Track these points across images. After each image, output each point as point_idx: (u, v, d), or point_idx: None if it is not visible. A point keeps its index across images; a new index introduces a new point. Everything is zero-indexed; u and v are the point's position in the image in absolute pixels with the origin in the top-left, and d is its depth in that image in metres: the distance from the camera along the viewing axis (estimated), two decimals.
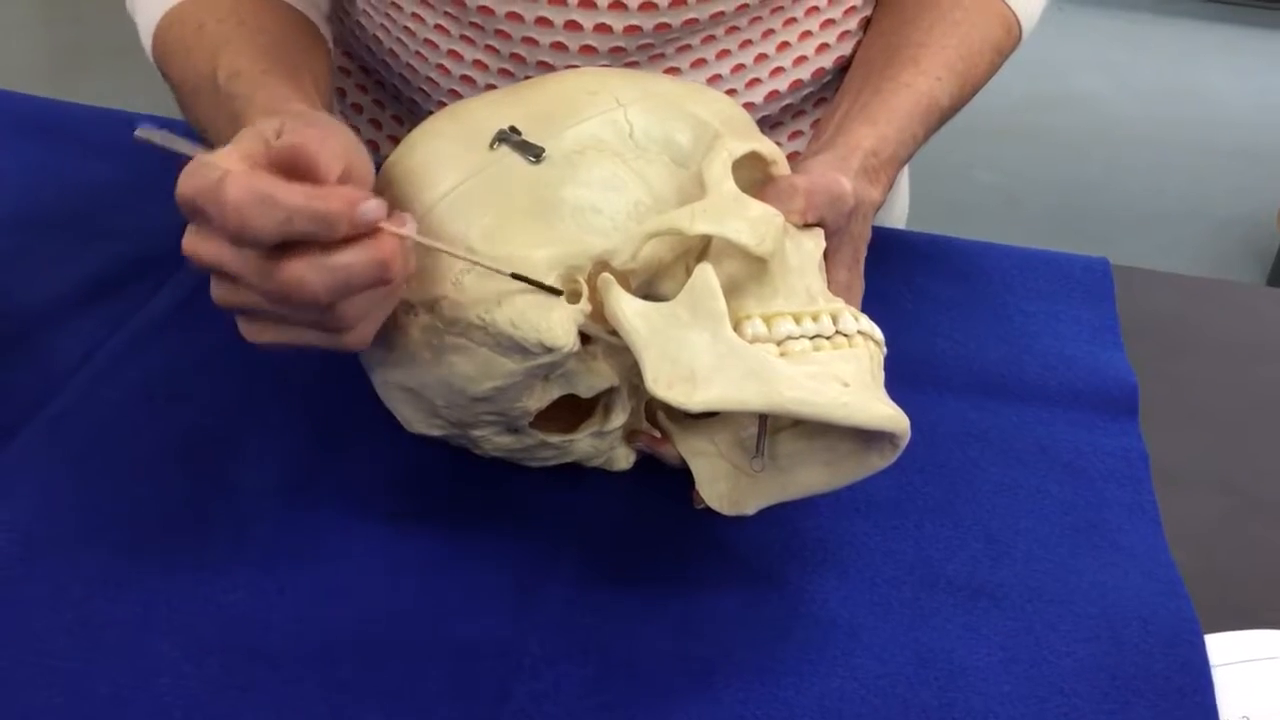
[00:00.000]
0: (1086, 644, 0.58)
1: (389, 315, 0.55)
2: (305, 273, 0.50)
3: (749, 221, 0.55)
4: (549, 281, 0.54)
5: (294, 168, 0.50)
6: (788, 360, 0.54)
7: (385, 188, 0.58)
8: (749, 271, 0.56)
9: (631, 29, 0.73)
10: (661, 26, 0.73)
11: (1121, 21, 3.12)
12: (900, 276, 0.80)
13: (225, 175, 0.49)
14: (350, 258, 0.50)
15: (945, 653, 0.57)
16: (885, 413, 0.53)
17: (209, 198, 0.49)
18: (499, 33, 0.74)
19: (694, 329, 0.53)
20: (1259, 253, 2.40)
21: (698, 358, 0.52)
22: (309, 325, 0.53)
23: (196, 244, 0.51)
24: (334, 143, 0.52)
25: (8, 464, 0.64)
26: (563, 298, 0.54)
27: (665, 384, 0.52)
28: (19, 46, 2.89)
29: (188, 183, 0.50)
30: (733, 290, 0.55)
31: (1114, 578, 0.61)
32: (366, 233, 0.50)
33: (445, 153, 0.58)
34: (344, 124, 0.58)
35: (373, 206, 0.50)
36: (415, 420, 0.60)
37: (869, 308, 0.62)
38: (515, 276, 0.53)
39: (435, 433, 0.60)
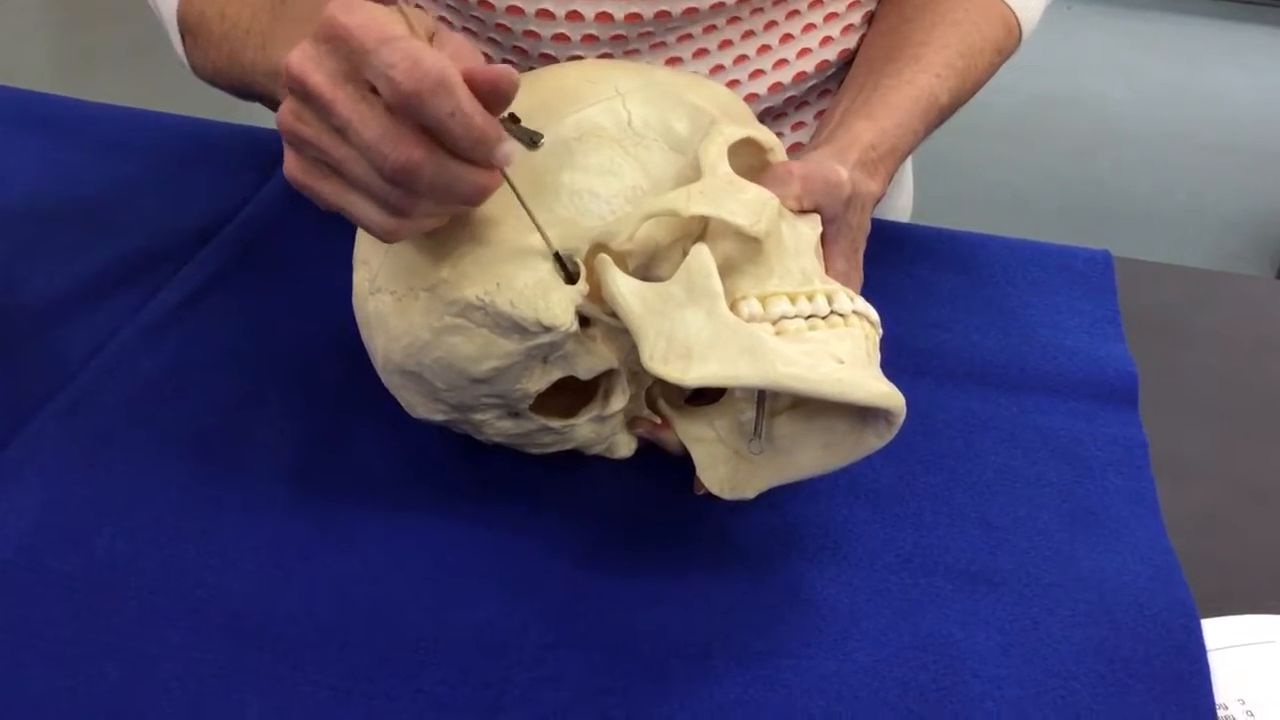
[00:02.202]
0: (1084, 629, 0.58)
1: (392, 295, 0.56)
2: (424, 159, 0.49)
3: (744, 203, 0.55)
4: (546, 265, 0.54)
5: (489, 90, 0.49)
6: (783, 339, 0.54)
7: None
8: (745, 253, 0.56)
9: (632, 17, 0.73)
10: (662, 14, 0.74)
11: (1130, 20, 3.12)
12: (902, 268, 0.81)
13: (406, 38, 0.48)
14: (466, 171, 0.50)
15: (943, 637, 0.57)
16: (880, 389, 0.53)
17: (384, 46, 0.48)
18: (500, 26, 0.75)
19: (690, 307, 0.54)
20: (1269, 251, 2.40)
21: (693, 335, 0.53)
22: (374, 198, 0.52)
23: (311, 69, 0.50)
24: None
25: (19, 454, 0.65)
26: (561, 279, 0.55)
27: (661, 360, 0.53)
28: (33, 48, 2.91)
29: (353, 17, 0.49)
30: (729, 271, 0.56)
31: (1112, 564, 0.61)
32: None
33: None
34: None
35: (507, 150, 0.50)
36: (417, 404, 0.60)
37: (871, 298, 0.62)
38: (556, 257, 0.54)
39: (437, 417, 0.60)
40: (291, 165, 0.53)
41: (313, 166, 0.53)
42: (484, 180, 0.51)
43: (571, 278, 0.55)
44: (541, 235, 0.54)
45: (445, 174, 0.50)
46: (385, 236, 0.53)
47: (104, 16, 2.90)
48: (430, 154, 0.49)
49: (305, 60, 0.50)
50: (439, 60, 0.48)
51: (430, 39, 0.53)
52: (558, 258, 0.54)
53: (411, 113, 0.48)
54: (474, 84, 0.49)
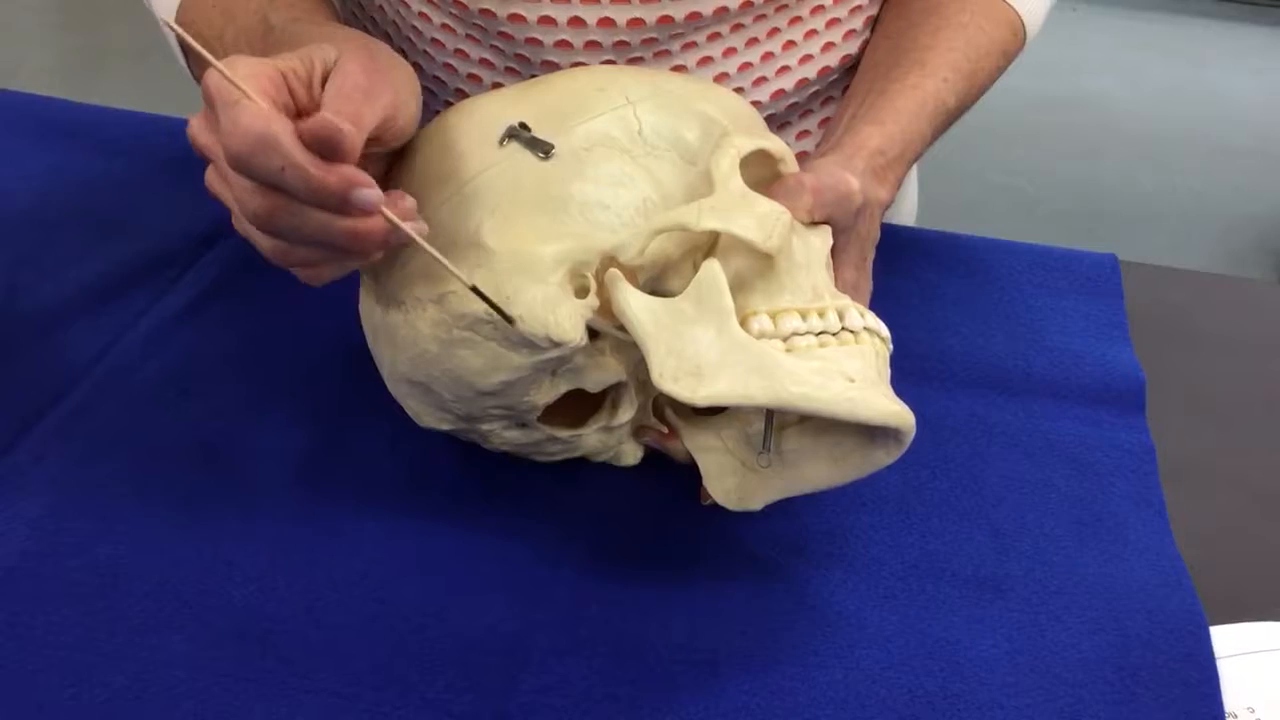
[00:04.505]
0: (1092, 636, 0.58)
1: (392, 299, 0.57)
2: (277, 207, 0.52)
3: (756, 218, 0.55)
4: (556, 278, 0.54)
5: (319, 143, 0.50)
6: (793, 356, 0.54)
7: (394, 183, 0.59)
8: (756, 268, 0.56)
9: (635, 22, 0.73)
10: (665, 19, 0.73)
11: (1133, 21, 3.12)
12: (908, 273, 0.81)
13: (241, 102, 0.50)
14: (329, 219, 0.52)
15: (950, 644, 0.57)
16: (890, 408, 0.53)
17: (223, 110, 0.51)
18: (502, 34, 0.74)
19: (700, 324, 0.53)
20: (1273, 252, 2.39)
21: (703, 352, 0.53)
22: (266, 246, 0.55)
23: (199, 131, 0.54)
24: (377, 100, 0.54)
25: (24, 458, 0.65)
26: (570, 293, 0.54)
27: (671, 378, 0.52)
28: (38, 50, 2.91)
29: (213, 79, 0.52)
30: (739, 286, 0.55)
31: (1120, 571, 0.61)
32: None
33: (456, 149, 0.58)
34: (400, 59, 0.60)
35: (367, 196, 0.51)
36: (424, 414, 0.60)
37: (877, 304, 0.62)
38: (474, 290, 0.53)
39: (444, 426, 0.60)
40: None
41: (235, 215, 0.55)
42: (358, 226, 0.52)
43: (508, 318, 0.54)
44: (458, 277, 0.54)
45: (306, 222, 0.52)
46: (306, 280, 0.56)
47: (109, 18, 2.90)
48: (285, 202, 0.51)
49: (196, 122, 0.54)
50: (259, 121, 0.50)
51: (323, 77, 0.55)
52: (487, 300, 0.54)
53: (244, 173, 0.51)
54: (304, 138, 0.50)
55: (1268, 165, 2.62)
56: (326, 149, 0.50)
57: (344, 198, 0.51)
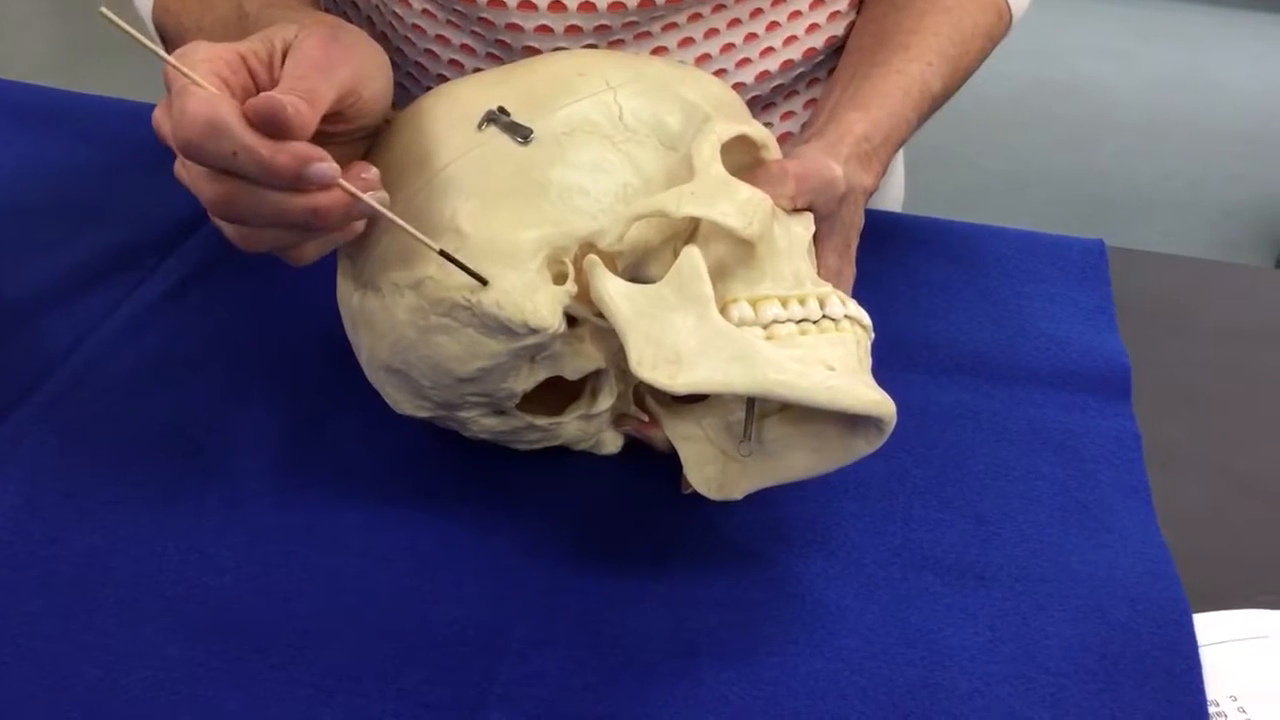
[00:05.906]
0: (1075, 624, 0.58)
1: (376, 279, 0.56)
2: (233, 191, 0.51)
3: (737, 204, 0.54)
4: (534, 265, 0.53)
5: (265, 122, 0.50)
6: (774, 344, 0.53)
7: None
8: (736, 255, 0.55)
9: (616, 6, 0.73)
10: (646, 3, 0.73)
11: (1127, 6, 3.11)
12: (894, 259, 0.80)
13: (189, 88, 0.50)
14: (286, 198, 0.51)
15: (932, 633, 0.57)
16: (871, 397, 0.53)
17: (175, 97, 0.50)
18: (482, 20, 0.74)
19: (679, 311, 0.53)
20: (1268, 239, 2.39)
21: (683, 340, 0.52)
22: (233, 235, 0.54)
23: (161, 120, 0.53)
24: (334, 74, 0.54)
25: (0, 446, 0.64)
26: (548, 280, 0.54)
27: (650, 365, 0.52)
28: (29, 40, 2.90)
29: (168, 67, 0.51)
30: (720, 273, 0.55)
31: (1104, 558, 0.61)
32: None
33: (433, 133, 0.58)
34: (367, 37, 0.59)
35: (321, 170, 0.50)
36: (402, 401, 0.60)
37: (862, 289, 0.62)
38: (442, 254, 0.53)
39: (422, 414, 0.60)
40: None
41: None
42: (316, 202, 0.51)
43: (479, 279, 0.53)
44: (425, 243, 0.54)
45: (264, 203, 0.51)
46: (291, 261, 0.56)
47: (99, 7, 2.89)
48: (241, 187, 0.51)
49: (159, 112, 0.53)
50: (206, 105, 0.49)
51: (284, 54, 0.55)
52: (456, 263, 0.53)
53: (197, 159, 0.50)
54: (249, 117, 0.50)
55: (1263, 152, 2.62)
56: (273, 127, 0.50)
57: (298, 175, 0.50)
